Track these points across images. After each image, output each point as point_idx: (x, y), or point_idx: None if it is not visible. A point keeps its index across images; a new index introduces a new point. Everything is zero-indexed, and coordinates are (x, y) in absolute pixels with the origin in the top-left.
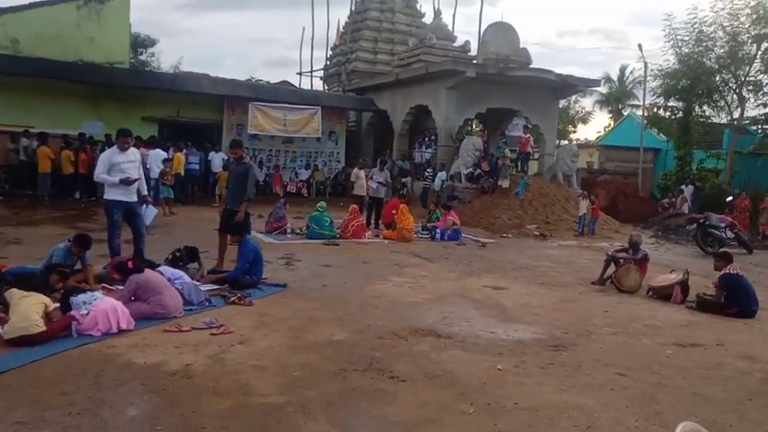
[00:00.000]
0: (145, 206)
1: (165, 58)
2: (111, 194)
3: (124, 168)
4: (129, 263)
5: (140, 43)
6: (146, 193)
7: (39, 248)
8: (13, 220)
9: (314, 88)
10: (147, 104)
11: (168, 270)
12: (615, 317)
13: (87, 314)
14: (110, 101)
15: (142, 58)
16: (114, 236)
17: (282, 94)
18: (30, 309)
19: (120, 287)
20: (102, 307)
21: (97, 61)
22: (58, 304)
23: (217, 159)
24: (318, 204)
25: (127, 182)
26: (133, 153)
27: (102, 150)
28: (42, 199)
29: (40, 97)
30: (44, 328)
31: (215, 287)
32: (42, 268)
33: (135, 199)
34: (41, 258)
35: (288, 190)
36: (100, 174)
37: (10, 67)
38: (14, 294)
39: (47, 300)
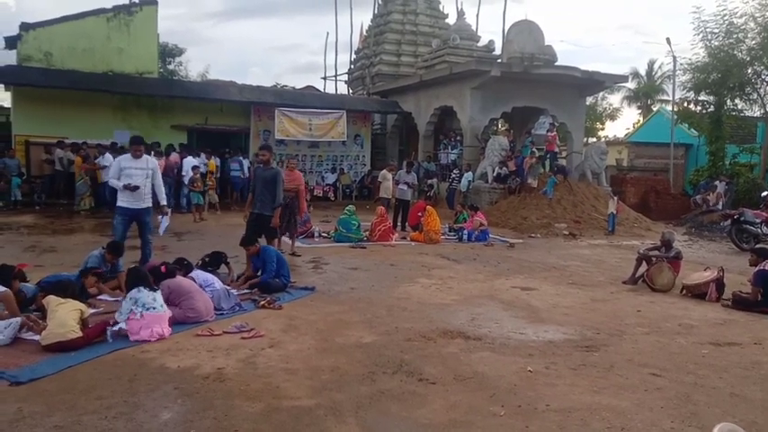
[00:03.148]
0: (160, 217)
1: (193, 66)
2: (119, 200)
3: (130, 174)
4: (162, 267)
5: (169, 53)
6: (164, 203)
7: (73, 256)
8: (48, 229)
9: (338, 92)
10: (176, 113)
11: (201, 276)
12: (648, 316)
13: (140, 320)
14: (140, 110)
15: (170, 67)
16: (116, 239)
17: (308, 99)
18: (66, 315)
19: None
20: (151, 324)
21: (127, 72)
22: (93, 310)
23: (246, 165)
24: (347, 207)
25: (129, 187)
26: (146, 161)
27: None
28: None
29: (72, 108)
30: (80, 334)
31: (245, 291)
32: (77, 274)
33: (142, 206)
34: (76, 266)
35: (314, 194)
36: (110, 178)
37: (43, 80)
38: (52, 301)
39: (83, 306)
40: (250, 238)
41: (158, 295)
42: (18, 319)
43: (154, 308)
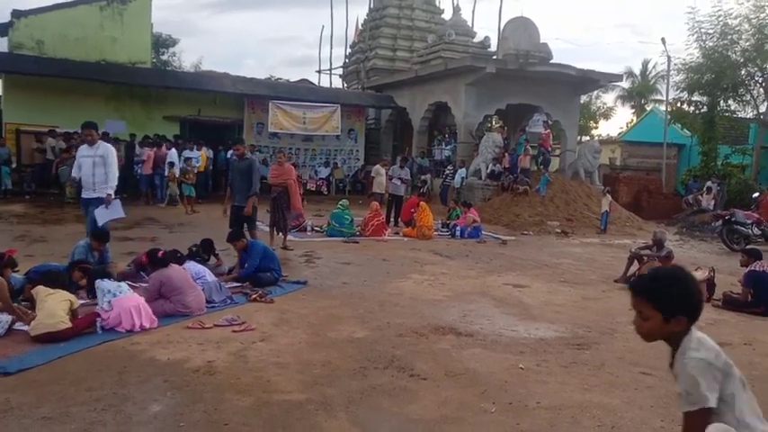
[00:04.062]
0: (104, 206)
1: (186, 57)
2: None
3: (81, 163)
4: (160, 252)
5: (162, 43)
6: (109, 192)
7: (64, 246)
8: (38, 218)
9: (333, 86)
10: (168, 103)
11: (193, 268)
12: None
13: (111, 310)
14: (132, 100)
15: (164, 57)
16: (87, 232)
17: (302, 93)
18: (56, 306)
19: (144, 284)
20: (125, 305)
21: (120, 61)
22: (83, 301)
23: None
24: (340, 202)
25: (73, 180)
26: (95, 148)
27: (126, 149)
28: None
29: (63, 97)
30: (70, 325)
31: (236, 284)
32: (66, 266)
33: (92, 196)
34: (66, 255)
35: (308, 188)
36: (74, 168)
37: (35, 68)
38: (41, 292)
39: (72, 297)
40: (236, 233)
41: (122, 283)
42: (10, 318)
43: (121, 291)
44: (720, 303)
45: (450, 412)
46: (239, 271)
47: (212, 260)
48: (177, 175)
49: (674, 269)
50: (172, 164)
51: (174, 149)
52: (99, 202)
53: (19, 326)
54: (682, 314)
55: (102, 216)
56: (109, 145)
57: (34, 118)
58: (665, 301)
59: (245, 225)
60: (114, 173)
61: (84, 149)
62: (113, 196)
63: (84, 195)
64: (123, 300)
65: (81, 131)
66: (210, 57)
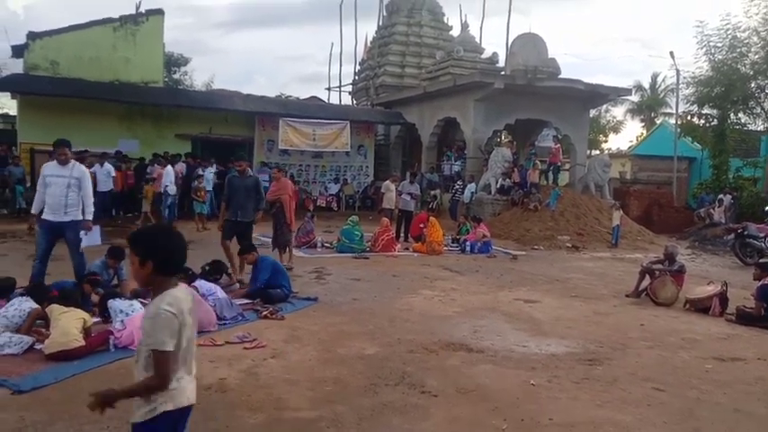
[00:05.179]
0: (84, 233)
1: (198, 76)
2: (44, 211)
3: (49, 182)
4: None
5: (174, 62)
6: (88, 217)
7: None
8: None
9: (342, 103)
10: (180, 122)
11: (204, 285)
12: (651, 330)
13: (124, 329)
14: (144, 119)
15: (176, 76)
16: (37, 256)
17: (312, 110)
18: (69, 324)
19: None
20: (138, 324)
21: (132, 81)
22: (96, 319)
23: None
24: (350, 218)
25: (32, 223)
26: (70, 168)
27: (137, 168)
28: None
29: (78, 117)
30: (83, 343)
31: (247, 301)
32: (74, 282)
33: (65, 219)
34: None
35: (318, 204)
36: (38, 186)
37: (49, 89)
38: (55, 310)
39: (86, 315)
40: (248, 246)
41: (134, 302)
42: (30, 339)
43: (133, 310)
44: (734, 318)
45: (462, 429)
46: (249, 287)
47: (225, 279)
48: (168, 191)
49: (156, 225)
50: (151, 180)
51: (169, 167)
52: (74, 225)
53: (39, 346)
54: (149, 259)
55: (89, 240)
56: (83, 167)
57: (49, 138)
58: (138, 247)
59: (240, 241)
60: (91, 197)
61: (52, 168)
62: (92, 222)
63: (53, 219)
64: (136, 318)
65: (54, 150)
66: (222, 75)
